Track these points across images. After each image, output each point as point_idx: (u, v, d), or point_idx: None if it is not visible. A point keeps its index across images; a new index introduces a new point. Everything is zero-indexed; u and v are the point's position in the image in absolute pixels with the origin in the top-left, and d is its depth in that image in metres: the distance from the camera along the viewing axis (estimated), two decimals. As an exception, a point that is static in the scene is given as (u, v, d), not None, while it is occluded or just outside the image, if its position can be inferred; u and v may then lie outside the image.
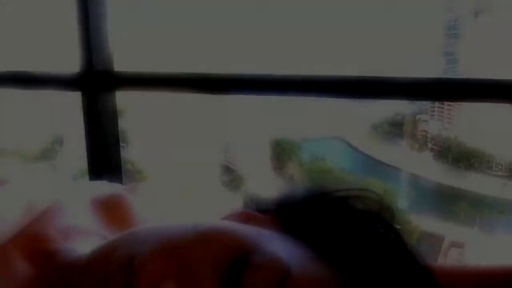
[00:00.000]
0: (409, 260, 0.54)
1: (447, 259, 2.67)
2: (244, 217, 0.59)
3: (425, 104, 3.13)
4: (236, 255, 0.48)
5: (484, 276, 0.61)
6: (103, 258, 0.51)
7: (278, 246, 0.51)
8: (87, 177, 1.57)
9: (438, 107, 3.09)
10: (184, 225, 0.53)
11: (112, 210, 0.67)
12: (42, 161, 3.28)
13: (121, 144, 1.62)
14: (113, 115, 1.55)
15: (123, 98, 1.70)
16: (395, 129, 3.29)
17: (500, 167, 3.01)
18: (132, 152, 3.17)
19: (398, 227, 0.57)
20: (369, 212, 0.57)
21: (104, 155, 1.53)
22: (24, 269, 0.56)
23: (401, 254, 0.54)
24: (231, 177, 3.25)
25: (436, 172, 3.15)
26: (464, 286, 0.60)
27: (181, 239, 0.50)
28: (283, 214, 0.59)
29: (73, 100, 1.64)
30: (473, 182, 3.06)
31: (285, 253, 0.50)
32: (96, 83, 1.51)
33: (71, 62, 1.57)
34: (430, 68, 2.84)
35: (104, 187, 0.75)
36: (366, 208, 0.58)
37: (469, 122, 3.08)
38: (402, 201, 3.02)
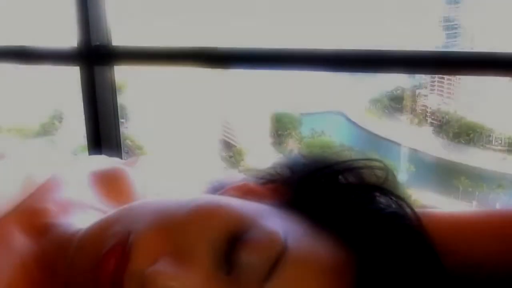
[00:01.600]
0: (414, 236, 0.53)
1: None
2: (242, 191, 0.58)
3: (425, 79, 3.12)
4: (232, 232, 0.48)
5: (471, 222, 0.60)
6: (99, 234, 0.50)
7: (275, 222, 0.50)
8: (86, 152, 1.57)
9: (438, 81, 3.08)
10: (180, 201, 0.52)
11: (111, 184, 0.67)
12: (42, 136, 3.28)
13: (121, 119, 1.61)
14: (112, 90, 1.54)
15: (123, 74, 1.69)
16: (394, 103, 3.28)
17: (499, 142, 3.01)
18: (131, 128, 3.17)
19: (403, 197, 0.55)
20: (372, 183, 0.56)
21: (103, 129, 1.53)
22: (22, 243, 0.56)
23: (406, 229, 0.53)
24: (231, 152, 3.25)
25: (435, 147, 3.16)
26: (449, 232, 0.58)
27: (177, 215, 0.50)
28: (283, 186, 0.58)
29: (73, 75, 1.63)
30: (472, 157, 3.07)
31: (283, 228, 0.49)
32: (94, 57, 1.51)
33: (69, 37, 1.56)
34: (430, 41, 2.83)
35: (104, 162, 0.75)
36: (370, 179, 0.57)
37: (469, 96, 3.07)
38: (401, 175, 3.03)
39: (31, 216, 0.58)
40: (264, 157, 3.02)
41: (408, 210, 0.54)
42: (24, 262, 0.55)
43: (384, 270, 0.50)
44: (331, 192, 0.55)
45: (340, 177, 0.56)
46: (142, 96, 3.16)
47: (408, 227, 0.53)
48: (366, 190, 0.56)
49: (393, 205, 0.55)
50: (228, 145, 3.26)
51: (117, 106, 1.56)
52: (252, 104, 3.24)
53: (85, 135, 1.55)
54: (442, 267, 0.52)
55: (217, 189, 0.60)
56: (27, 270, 0.55)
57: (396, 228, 0.53)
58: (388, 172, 0.57)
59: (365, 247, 0.51)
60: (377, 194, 0.55)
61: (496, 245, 0.56)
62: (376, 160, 0.57)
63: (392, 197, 0.55)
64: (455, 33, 2.88)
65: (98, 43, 1.50)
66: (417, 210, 0.55)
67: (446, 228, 0.58)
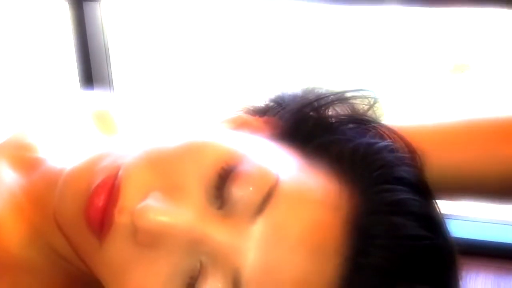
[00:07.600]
0: (407, 166, 0.52)
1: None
2: (236, 123, 0.57)
3: (421, 12, 3.08)
4: (223, 165, 0.47)
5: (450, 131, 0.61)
6: (88, 168, 0.50)
7: (268, 154, 0.50)
8: (77, 88, 1.55)
9: (434, 15, 3.04)
10: (172, 136, 0.51)
11: (102, 120, 0.67)
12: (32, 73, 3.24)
13: (111, 55, 1.59)
14: (102, 26, 1.51)
15: (114, 10, 1.65)
16: (390, 39, 3.25)
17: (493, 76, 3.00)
18: (122, 63, 3.13)
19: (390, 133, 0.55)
20: (363, 115, 0.56)
21: (95, 66, 1.51)
22: (11, 177, 0.56)
23: (400, 160, 0.52)
24: (227, 86, 3.23)
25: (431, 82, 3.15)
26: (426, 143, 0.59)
27: (168, 150, 0.49)
28: (277, 118, 0.57)
29: (62, 11, 1.60)
30: (467, 90, 3.07)
31: (275, 161, 0.49)
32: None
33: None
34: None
35: (95, 98, 0.74)
36: (360, 110, 0.56)
37: (466, 29, 3.04)
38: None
39: (20, 150, 0.58)
40: (260, 90, 3.00)
41: (399, 142, 0.55)
42: (13, 196, 0.55)
43: (380, 202, 0.49)
44: (323, 124, 0.55)
45: (331, 108, 0.56)
46: (134, 31, 3.11)
47: (402, 159, 0.53)
48: (358, 122, 0.55)
49: (385, 139, 0.54)
50: (224, 79, 3.23)
51: (107, 42, 1.54)
52: (251, 35, 3.20)
53: (76, 71, 1.54)
54: (433, 196, 0.52)
55: (212, 122, 0.59)
56: (17, 204, 0.54)
57: (390, 159, 0.52)
58: (376, 100, 0.57)
59: (360, 179, 0.50)
60: (370, 126, 0.55)
61: (473, 150, 0.59)
62: (365, 89, 0.57)
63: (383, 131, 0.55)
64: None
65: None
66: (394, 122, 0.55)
67: (427, 137, 0.59)
